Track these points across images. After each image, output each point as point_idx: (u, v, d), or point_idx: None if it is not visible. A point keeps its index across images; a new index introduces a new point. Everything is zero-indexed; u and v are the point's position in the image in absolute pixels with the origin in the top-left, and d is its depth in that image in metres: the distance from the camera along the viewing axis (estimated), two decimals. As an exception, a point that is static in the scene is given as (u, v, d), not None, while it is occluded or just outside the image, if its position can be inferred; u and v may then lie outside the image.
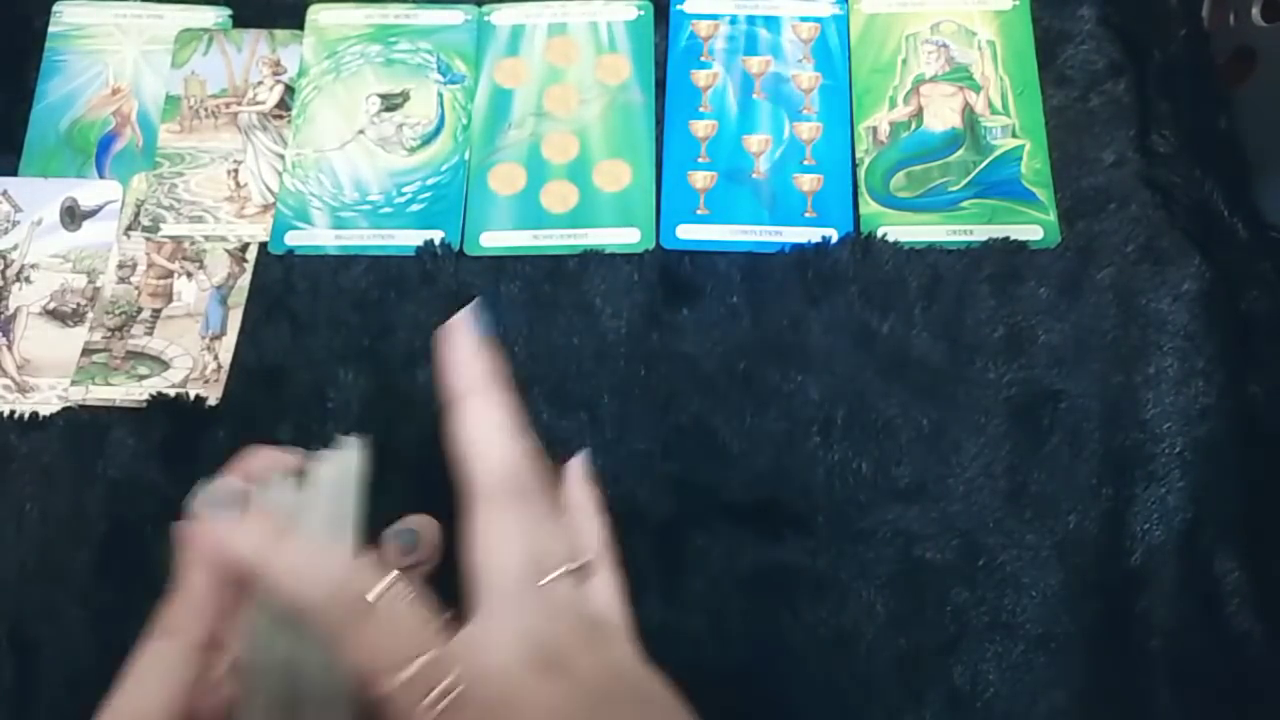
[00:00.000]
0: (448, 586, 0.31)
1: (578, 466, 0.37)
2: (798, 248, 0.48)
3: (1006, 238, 0.48)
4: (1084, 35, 0.53)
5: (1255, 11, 0.50)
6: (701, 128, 0.51)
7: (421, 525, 0.33)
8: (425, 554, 0.33)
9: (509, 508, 0.31)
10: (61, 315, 0.48)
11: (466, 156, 0.51)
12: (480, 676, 0.28)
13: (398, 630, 0.28)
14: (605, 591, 0.33)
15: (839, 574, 0.42)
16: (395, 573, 0.30)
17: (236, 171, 0.51)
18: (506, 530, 0.31)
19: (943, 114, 0.51)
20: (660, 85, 0.52)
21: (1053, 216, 0.49)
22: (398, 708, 0.28)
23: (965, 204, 0.49)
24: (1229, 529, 0.43)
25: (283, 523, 0.31)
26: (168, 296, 0.49)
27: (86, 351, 0.47)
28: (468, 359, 0.33)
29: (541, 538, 0.31)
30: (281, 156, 0.51)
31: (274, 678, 0.30)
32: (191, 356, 0.47)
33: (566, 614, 0.30)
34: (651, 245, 0.49)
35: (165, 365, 0.47)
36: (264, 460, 0.34)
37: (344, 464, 0.32)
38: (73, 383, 0.47)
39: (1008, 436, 0.45)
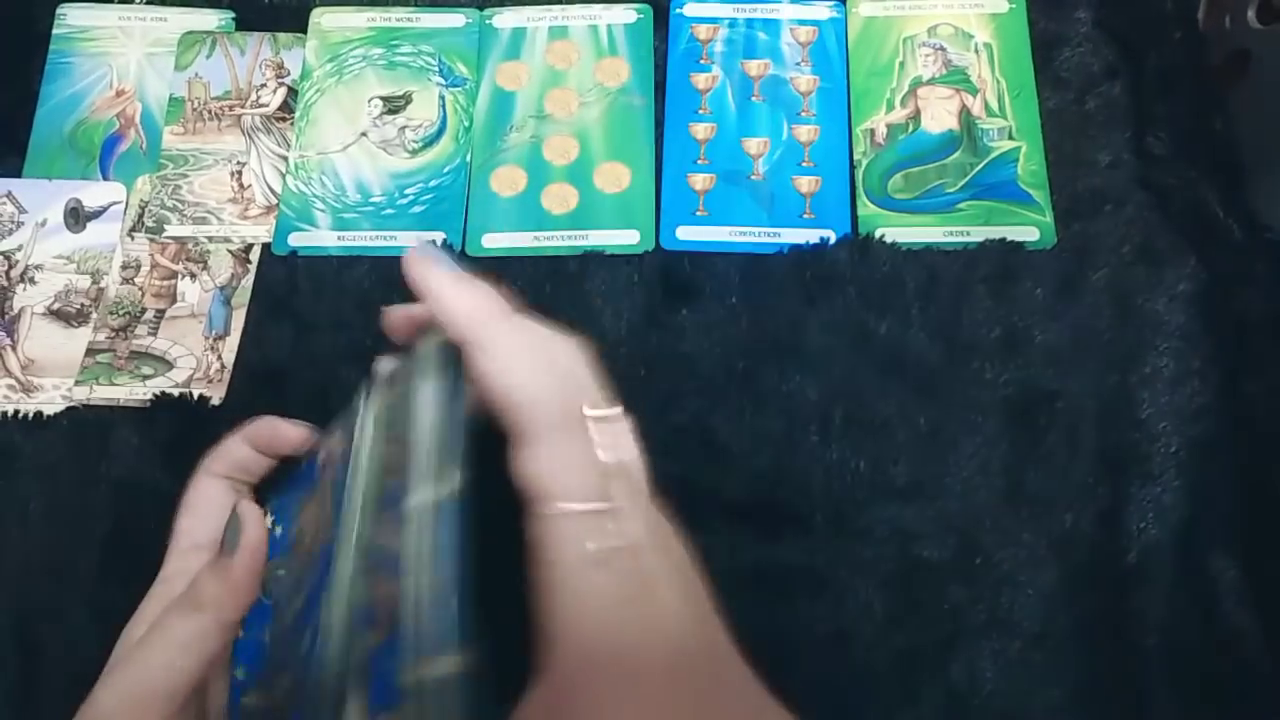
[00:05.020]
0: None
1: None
2: (796, 249, 0.48)
3: (1003, 239, 0.48)
4: (1080, 38, 0.53)
5: (1250, 14, 0.50)
6: (701, 130, 0.52)
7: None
8: None
9: (521, 334, 0.29)
10: (66, 316, 0.49)
11: (468, 158, 0.51)
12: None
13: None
14: (628, 441, 0.31)
15: (837, 572, 0.43)
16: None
17: (240, 173, 0.51)
18: (532, 359, 0.29)
19: (940, 116, 0.51)
20: (660, 88, 0.53)
21: (1049, 218, 0.49)
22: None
23: (962, 205, 0.49)
24: (1224, 527, 0.44)
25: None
26: (171, 297, 0.49)
27: (90, 352, 0.48)
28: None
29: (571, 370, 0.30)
30: (284, 158, 0.52)
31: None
32: (195, 357, 0.48)
33: (610, 458, 0.29)
34: (651, 246, 0.49)
35: (169, 365, 0.47)
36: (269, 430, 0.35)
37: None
38: (77, 383, 0.47)
39: (1004, 436, 0.45)
